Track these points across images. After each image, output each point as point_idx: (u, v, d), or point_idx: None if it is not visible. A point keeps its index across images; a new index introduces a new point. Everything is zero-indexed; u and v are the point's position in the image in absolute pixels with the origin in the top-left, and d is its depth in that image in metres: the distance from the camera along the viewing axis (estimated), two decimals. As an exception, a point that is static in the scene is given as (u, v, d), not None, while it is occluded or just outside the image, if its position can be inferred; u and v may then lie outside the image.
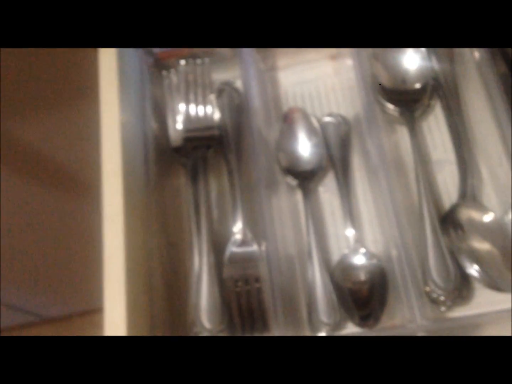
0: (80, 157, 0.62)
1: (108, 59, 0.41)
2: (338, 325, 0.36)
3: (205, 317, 0.35)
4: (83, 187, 0.68)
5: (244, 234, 0.38)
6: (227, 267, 0.37)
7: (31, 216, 0.71)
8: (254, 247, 0.37)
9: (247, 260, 0.36)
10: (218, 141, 0.42)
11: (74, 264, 0.86)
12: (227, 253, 0.38)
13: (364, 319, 0.36)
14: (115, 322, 0.33)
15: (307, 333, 0.37)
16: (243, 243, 0.38)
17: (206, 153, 0.42)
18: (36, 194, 0.67)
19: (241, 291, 0.37)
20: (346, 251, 0.39)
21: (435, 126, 0.42)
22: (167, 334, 0.36)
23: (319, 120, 0.43)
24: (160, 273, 0.38)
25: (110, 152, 0.37)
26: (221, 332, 0.36)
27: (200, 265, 0.38)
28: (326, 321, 0.36)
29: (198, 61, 0.44)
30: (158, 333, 0.36)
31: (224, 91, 0.43)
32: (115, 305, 0.33)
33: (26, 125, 0.56)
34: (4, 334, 1.12)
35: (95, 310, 1.08)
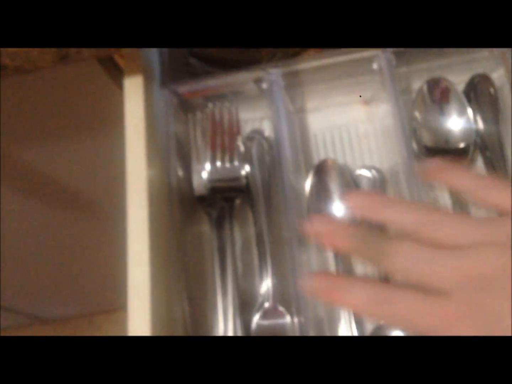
0: (100, 186, 0.61)
1: (134, 93, 0.38)
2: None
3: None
4: (98, 214, 0.67)
5: (274, 302, 0.36)
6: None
7: (33, 230, 0.70)
8: (285, 319, 0.35)
9: (277, 334, 0.34)
10: (245, 192, 0.40)
11: (73, 272, 0.87)
12: (254, 325, 0.35)
13: None
14: None
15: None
16: (273, 313, 0.35)
17: (232, 204, 0.40)
18: (52, 217, 0.66)
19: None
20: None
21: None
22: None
23: (351, 173, 0.40)
24: (182, 330, 0.36)
25: (136, 192, 0.35)
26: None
27: (225, 328, 0.36)
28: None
29: (226, 103, 0.41)
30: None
31: (254, 140, 0.41)
32: None
33: (47, 155, 0.55)
34: (3, 334, 1.12)
35: (95, 313, 1.08)
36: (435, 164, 0.27)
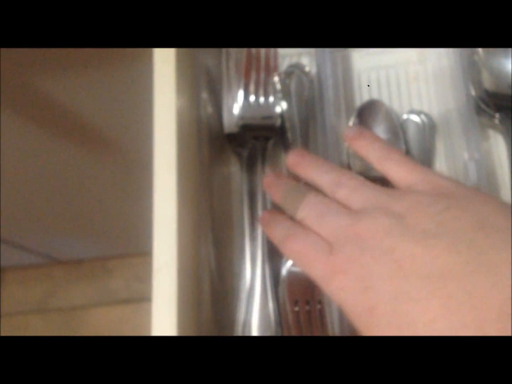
0: (123, 122, 0.57)
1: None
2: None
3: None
4: (121, 153, 0.64)
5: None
6: (285, 286, 0.32)
7: (48, 166, 0.68)
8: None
9: (310, 281, 0.32)
10: (280, 132, 0.37)
11: (88, 212, 0.85)
12: (286, 272, 0.33)
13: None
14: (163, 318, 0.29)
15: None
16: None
17: (265, 145, 0.36)
18: (71, 154, 0.64)
19: (301, 312, 0.32)
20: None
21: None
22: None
23: (398, 117, 0.37)
24: (207, 276, 0.34)
25: (164, 123, 0.32)
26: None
27: (253, 276, 0.33)
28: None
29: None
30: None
31: (293, 75, 0.37)
32: (164, 293, 0.28)
33: (67, 85, 0.51)
34: (12, 272, 1.12)
35: (106, 257, 1.08)
36: (350, 131, 0.30)
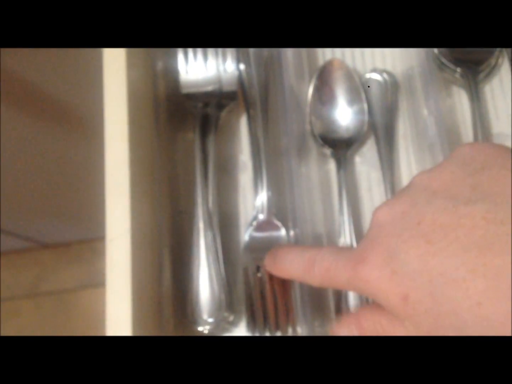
0: (81, 94, 0.56)
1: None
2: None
3: (205, 310, 0.31)
4: (82, 124, 0.63)
5: (269, 215, 0.32)
6: (247, 252, 0.32)
7: (32, 150, 0.67)
8: (281, 232, 0.32)
9: (271, 246, 0.31)
10: (237, 97, 0.36)
11: (74, 195, 0.84)
12: (248, 237, 0.32)
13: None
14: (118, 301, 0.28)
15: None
16: (268, 225, 0.32)
17: (219, 111, 0.36)
18: (35, 128, 0.62)
19: (264, 279, 0.32)
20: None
21: (501, 93, 0.35)
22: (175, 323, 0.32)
23: (361, 77, 0.36)
24: (168, 246, 0.33)
25: (115, 95, 0.31)
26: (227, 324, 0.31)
27: (198, 243, 0.32)
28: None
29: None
30: (167, 319, 0.31)
31: (251, 36, 0.36)
32: (118, 264, 0.28)
33: (26, 61, 0.50)
34: (3, 258, 1.12)
35: (94, 239, 1.08)
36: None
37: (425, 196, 0.20)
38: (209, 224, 0.33)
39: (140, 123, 0.31)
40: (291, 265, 0.25)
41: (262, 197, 0.33)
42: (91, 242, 1.11)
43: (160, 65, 0.35)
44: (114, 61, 0.31)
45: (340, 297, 0.32)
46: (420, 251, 0.19)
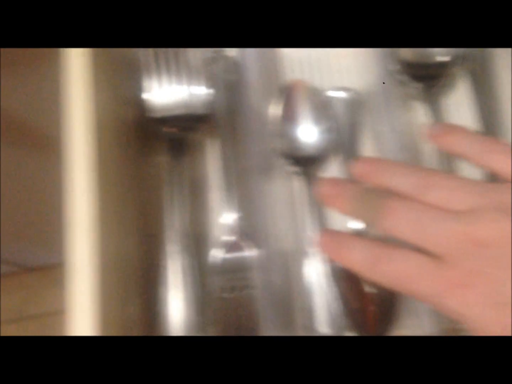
0: (41, 113, 0.56)
1: None
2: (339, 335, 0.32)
3: (176, 334, 0.31)
4: (43, 144, 0.63)
5: (237, 235, 0.33)
6: (214, 274, 0.32)
7: (12, 176, 0.67)
8: (248, 253, 0.32)
9: (239, 267, 0.32)
10: (207, 119, 0.36)
11: (55, 218, 0.83)
12: (215, 259, 0.33)
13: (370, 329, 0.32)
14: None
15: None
16: (236, 246, 0.33)
17: (191, 134, 0.36)
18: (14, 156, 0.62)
19: (229, 298, 0.32)
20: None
21: (460, 106, 0.36)
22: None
23: (326, 95, 0.37)
24: (137, 270, 0.34)
25: (78, 120, 0.30)
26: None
27: (168, 267, 0.32)
28: (324, 331, 0.32)
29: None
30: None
31: (217, 60, 0.36)
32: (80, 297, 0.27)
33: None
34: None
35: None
36: (435, 129, 0.26)
37: None
38: (178, 246, 0.33)
39: (105, 148, 0.32)
40: (359, 254, 0.23)
41: (230, 217, 0.34)
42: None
43: (128, 88, 0.36)
44: (79, 85, 0.31)
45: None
46: None
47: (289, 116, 0.35)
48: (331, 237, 0.25)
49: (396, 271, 0.22)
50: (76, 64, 0.32)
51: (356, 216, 0.25)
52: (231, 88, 0.36)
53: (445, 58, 0.34)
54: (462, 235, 0.21)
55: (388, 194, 0.24)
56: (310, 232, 0.34)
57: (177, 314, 0.32)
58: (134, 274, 0.33)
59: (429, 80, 0.34)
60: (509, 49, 0.34)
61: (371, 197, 0.24)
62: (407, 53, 0.34)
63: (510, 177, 0.23)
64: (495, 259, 0.21)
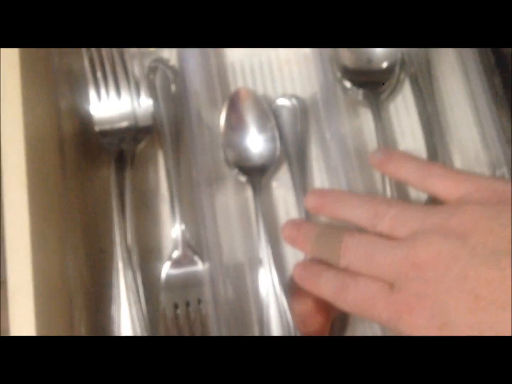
0: None
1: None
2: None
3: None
4: None
5: (185, 249, 0.32)
6: (164, 291, 0.31)
7: None
8: (198, 266, 0.32)
9: (189, 282, 0.31)
10: (150, 131, 0.35)
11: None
12: (164, 275, 0.32)
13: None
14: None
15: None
16: (184, 260, 0.32)
17: (135, 146, 0.35)
18: None
19: (181, 315, 0.31)
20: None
21: (404, 110, 0.36)
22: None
23: (271, 103, 0.36)
24: (85, 288, 0.32)
25: (11, 138, 0.29)
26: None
27: (118, 284, 0.31)
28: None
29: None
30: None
31: (157, 70, 0.36)
32: (22, 320, 0.26)
33: None
34: None
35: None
36: (377, 156, 0.28)
37: (465, 249, 0.21)
38: (128, 262, 0.32)
39: (41, 166, 0.30)
40: (326, 284, 0.25)
41: (179, 230, 0.33)
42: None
43: (65, 103, 0.35)
44: (11, 105, 0.30)
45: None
46: (470, 306, 0.20)
47: (233, 126, 0.35)
48: (304, 268, 0.27)
49: (356, 299, 0.24)
50: (7, 77, 0.31)
51: (318, 255, 0.26)
52: (173, 98, 0.35)
53: (385, 64, 0.34)
54: (404, 261, 0.22)
55: (342, 231, 0.25)
56: (260, 241, 0.33)
57: (128, 333, 0.31)
58: (82, 292, 0.32)
59: (371, 86, 0.35)
60: (449, 53, 0.34)
61: (327, 237, 0.26)
62: (348, 59, 0.34)
63: (447, 199, 0.24)
64: (434, 281, 0.21)
